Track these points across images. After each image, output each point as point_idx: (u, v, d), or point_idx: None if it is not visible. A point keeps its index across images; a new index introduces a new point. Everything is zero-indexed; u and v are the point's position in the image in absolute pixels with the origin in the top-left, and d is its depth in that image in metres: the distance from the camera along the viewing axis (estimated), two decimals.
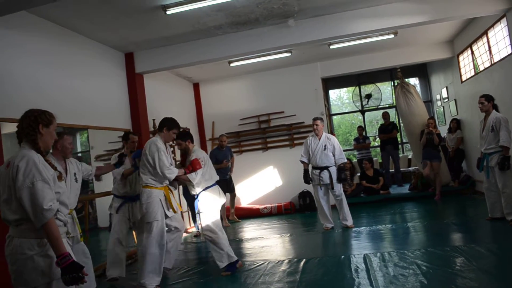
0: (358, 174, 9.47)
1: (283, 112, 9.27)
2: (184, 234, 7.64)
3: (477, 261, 3.97)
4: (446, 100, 9.69)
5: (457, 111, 8.96)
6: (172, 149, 7.45)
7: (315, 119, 6.49)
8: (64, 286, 2.09)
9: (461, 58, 8.51)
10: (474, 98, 7.66)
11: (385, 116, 9.80)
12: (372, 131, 13.88)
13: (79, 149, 6.02)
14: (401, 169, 10.10)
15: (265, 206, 8.87)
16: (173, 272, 4.92)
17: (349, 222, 6.38)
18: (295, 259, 4.87)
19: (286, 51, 7.82)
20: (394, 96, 9.99)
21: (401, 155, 10.70)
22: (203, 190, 4.66)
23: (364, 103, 11.39)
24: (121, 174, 4.72)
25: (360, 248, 5.17)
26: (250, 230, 7.37)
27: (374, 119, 14.97)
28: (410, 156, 10.97)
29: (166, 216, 4.44)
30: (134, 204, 4.87)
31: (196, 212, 4.71)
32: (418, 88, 11.10)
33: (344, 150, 7.16)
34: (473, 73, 7.90)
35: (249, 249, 5.82)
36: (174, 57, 6.78)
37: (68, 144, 3.82)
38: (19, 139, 2.31)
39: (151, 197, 4.30)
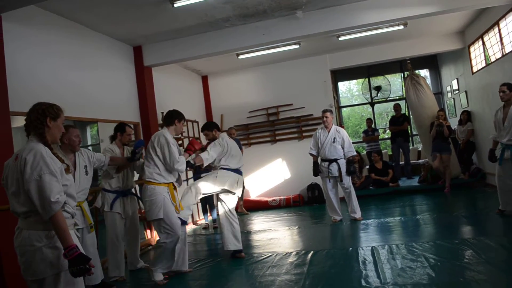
0: (367, 167, 9.43)
1: (291, 104, 9.24)
2: (193, 226, 7.72)
3: (486, 254, 3.93)
4: (457, 92, 9.56)
5: (467, 103, 8.83)
6: (180, 142, 7.55)
7: (324, 111, 6.44)
8: (72, 278, 2.13)
9: (472, 49, 8.37)
10: (485, 89, 7.59)
11: (397, 108, 9.70)
12: (381, 123, 13.80)
13: (89, 142, 6.09)
14: (411, 162, 10.03)
15: (273, 198, 8.89)
16: None
17: (358, 214, 6.37)
18: (303, 251, 4.88)
19: (294, 43, 7.78)
20: (404, 88, 9.90)
21: (411, 147, 10.62)
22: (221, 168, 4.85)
23: (373, 95, 11.31)
24: (117, 168, 4.55)
25: (368, 240, 5.16)
26: (259, 222, 7.40)
27: (384, 111, 14.87)
28: (420, 149, 10.89)
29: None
30: (125, 200, 4.70)
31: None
32: (428, 80, 10.98)
33: (353, 143, 7.11)
34: (484, 64, 7.78)
35: (257, 241, 5.84)
36: (182, 50, 6.79)
37: (75, 137, 3.85)
38: (27, 132, 2.34)
39: (154, 194, 4.15)
